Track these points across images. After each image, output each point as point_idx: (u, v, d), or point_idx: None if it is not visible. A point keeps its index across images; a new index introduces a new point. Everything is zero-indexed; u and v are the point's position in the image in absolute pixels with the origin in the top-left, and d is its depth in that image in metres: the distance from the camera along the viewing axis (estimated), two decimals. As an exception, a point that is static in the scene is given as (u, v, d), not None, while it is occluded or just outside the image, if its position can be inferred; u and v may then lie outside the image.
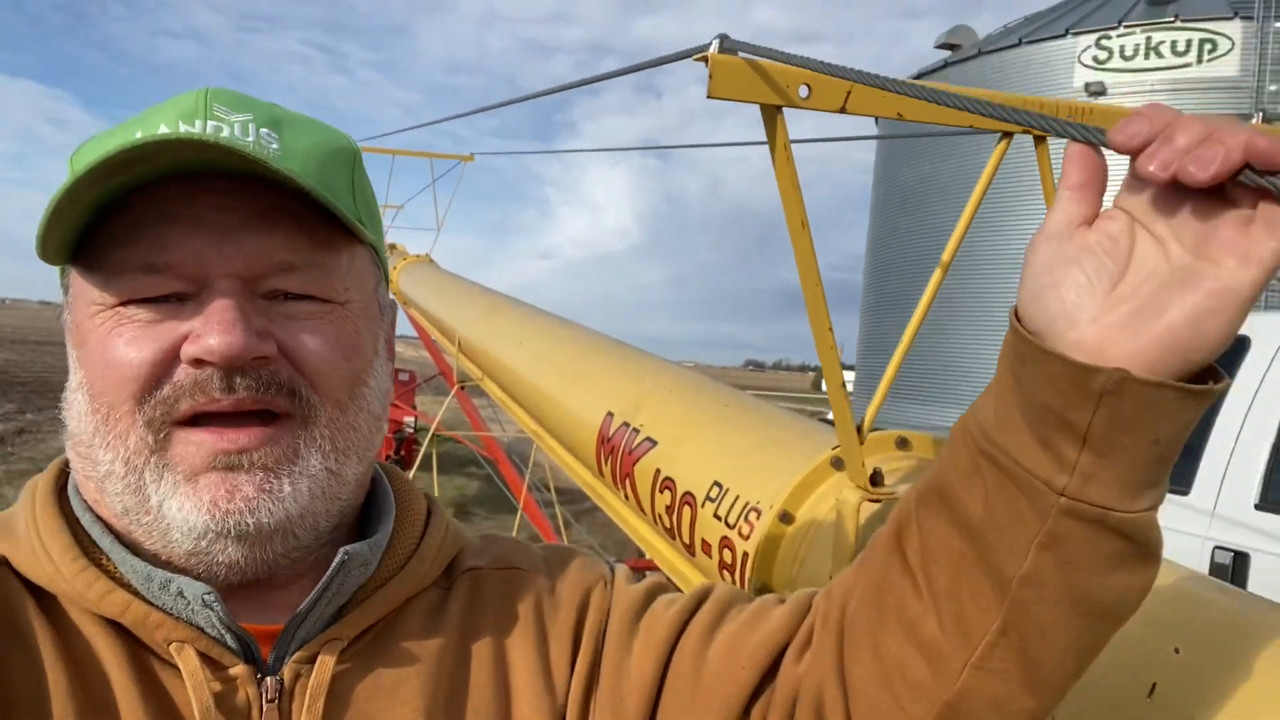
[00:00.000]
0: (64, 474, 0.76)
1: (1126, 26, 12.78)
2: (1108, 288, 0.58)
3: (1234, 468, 3.60)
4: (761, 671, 0.76)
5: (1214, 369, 0.58)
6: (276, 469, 0.67)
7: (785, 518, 1.55)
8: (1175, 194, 0.57)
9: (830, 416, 1.51)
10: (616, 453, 2.30)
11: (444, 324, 5.00)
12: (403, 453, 8.17)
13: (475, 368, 4.33)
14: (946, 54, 16.45)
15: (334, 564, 0.70)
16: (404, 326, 6.83)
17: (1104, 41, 12.99)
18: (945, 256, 1.44)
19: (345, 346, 0.71)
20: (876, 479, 1.35)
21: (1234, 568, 3.43)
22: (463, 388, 5.72)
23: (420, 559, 0.78)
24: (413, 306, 6.29)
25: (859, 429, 1.34)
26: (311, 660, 0.70)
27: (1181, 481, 3.68)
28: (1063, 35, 13.42)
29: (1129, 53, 12.68)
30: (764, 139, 1.23)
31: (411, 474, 8.25)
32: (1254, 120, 1.52)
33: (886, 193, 16.34)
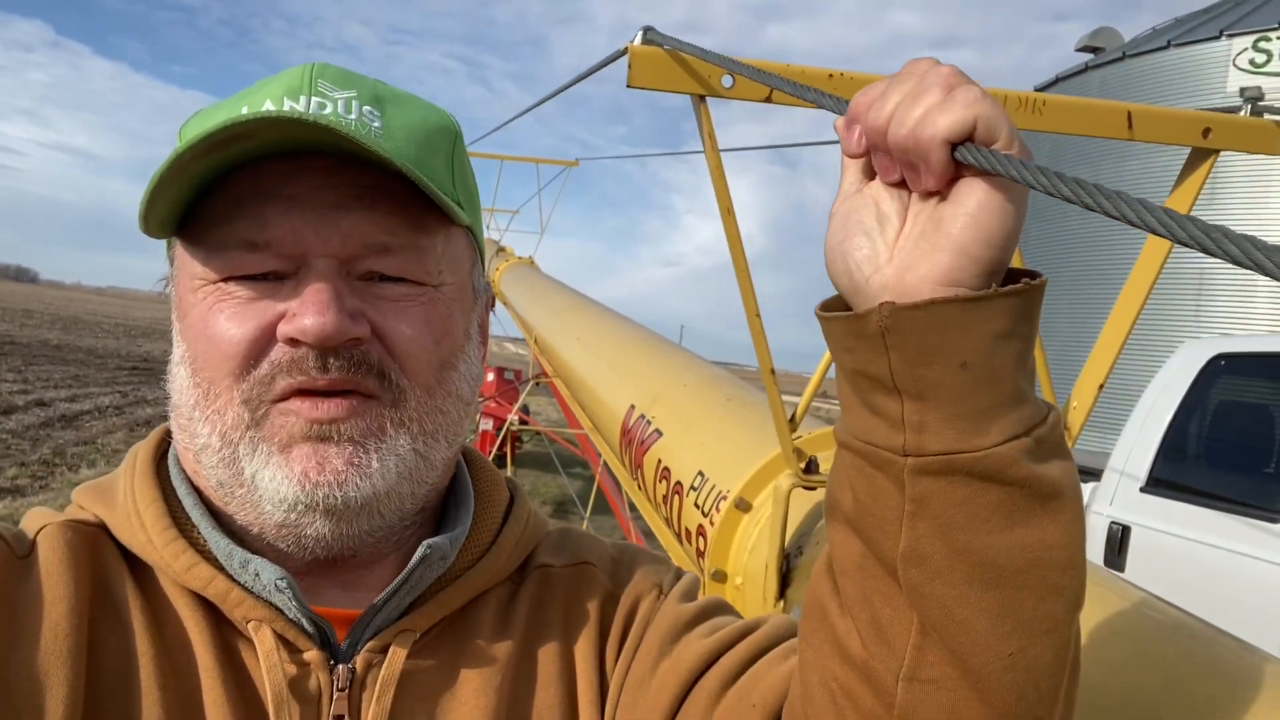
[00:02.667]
0: (164, 442, 0.77)
1: (1287, 27, 11.85)
2: (897, 226, 0.58)
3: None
4: (771, 715, 0.70)
5: (1025, 273, 0.56)
6: (364, 443, 0.67)
7: (741, 505, 1.56)
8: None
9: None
10: (633, 443, 2.35)
11: (527, 323, 5.15)
12: (505, 449, 8.41)
13: (549, 365, 4.45)
14: (1089, 57, 15.68)
15: (415, 557, 0.70)
16: (514, 328, 7.08)
17: (1262, 44, 12.08)
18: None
19: (436, 330, 0.71)
20: (812, 466, 1.36)
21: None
22: (537, 384, 5.86)
23: (497, 552, 0.78)
24: (509, 306, 6.50)
25: (791, 418, 1.34)
26: (384, 650, 0.70)
27: (1272, 508, 3.43)
28: (1216, 38, 12.57)
29: (1289, 54, 11.74)
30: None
31: (509, 471, 8.50)
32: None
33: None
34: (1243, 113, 1.37)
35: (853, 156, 0.60)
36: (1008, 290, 0.54)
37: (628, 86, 1.20)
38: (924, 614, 0.57)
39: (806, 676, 0.66)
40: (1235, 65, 12.07)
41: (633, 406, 2.46)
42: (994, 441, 0.54)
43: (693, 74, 1.21)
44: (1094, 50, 15.85)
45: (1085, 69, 14.70)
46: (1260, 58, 11.93)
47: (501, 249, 8.44)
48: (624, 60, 1.23)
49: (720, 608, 0.83)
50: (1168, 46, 13.15)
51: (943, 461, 0.55)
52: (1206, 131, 1.34)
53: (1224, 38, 12.38)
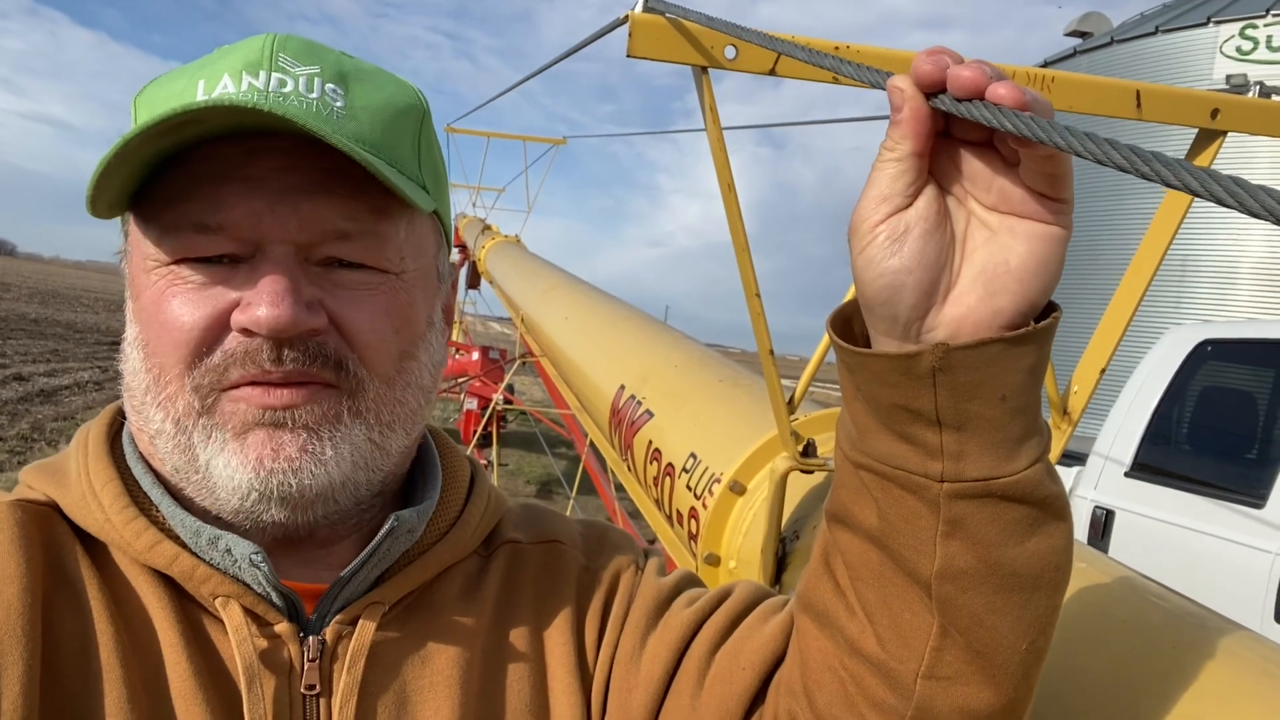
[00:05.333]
0: (116, 421, 0.76)
1: (1275, 15, 11.87)
2: (955, 258, 0.59)
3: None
4: (761, 677, 0.74)
5: (1049, 304, 0.59)
6: (319, 430, 0.66)
7: (736, 488, 1.54)
8: (963, 154, 0.58)
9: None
10: (622, 424, 2.33)
11: (513, 301, 5.11)
12: (490, 429, 8.37)
13: (535, 344, 4.41)
14: (1076, 42, 15.67)
15: (383, 530, 0.70)
16: (499, 307, 7.01)
17: (1249, 31, 12.10)
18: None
19: (396, 320, 0.69)
20: (809, 450, 1.33)
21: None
22: (524, 363, 5.82)
23: (463, 527, 0.78)
24: (495, 285, 6.45)
25: (789, 400, 1.32)
26: (353, 622, 0.70)
27: (1255, 494, 3.45)
28: (1203, 24, 12.58)
29: (1276, 42, 11.77)
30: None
31: (494, 451, 8.47)
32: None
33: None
34: (1251, 94, 1.35)
35: (919, 125, 0.56)
36: (1042, 326, 0.58)
37: (627, 56, 1.16)
38: (952, 621, 0.61)
39: (810, 660, 0.68)
40: (1222, 52, 12.09)
41: (622, 387, 2.43)
42: (1024, 465, 0.58)
43: (695, 45, 1.18)
44: (1082, 35, 15.84)
45: (1073, 54, 14.70)
46: (1247, 44, 11.95)
47: (487, 227, 8.36)
48: (622, 31, 1.19)
49: (692, 580, 0.86)
50: (1155, 32, 13.16)
51: (981, 487, 0.58)
52: (1215, 112, 1.32)
53: (1211, 24, 12.39)
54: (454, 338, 11.94)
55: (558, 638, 0.78)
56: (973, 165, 0.58)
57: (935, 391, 0.57)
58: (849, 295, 1.30)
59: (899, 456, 0.60)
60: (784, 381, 1.30)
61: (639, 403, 2.24)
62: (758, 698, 0.73)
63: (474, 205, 10.61)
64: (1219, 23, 12.29)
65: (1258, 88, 1.34)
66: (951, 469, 0.58)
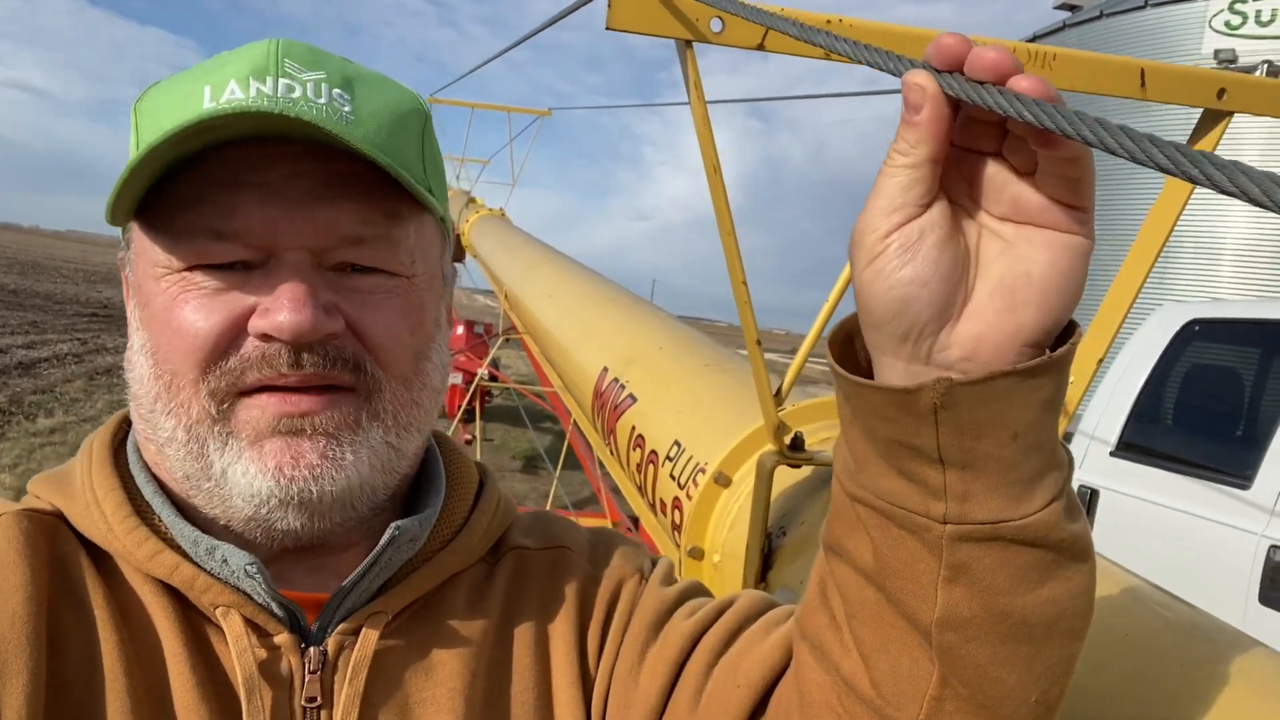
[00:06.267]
0: (122, 430, 0.76)
1: (1265, -11, 11.81)
2: (970, 271, 0.54)
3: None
4: (758, 693, 0.71)
5: (1069, 327, 0.54)
6: (339, 435, 0.66)
7: (721, 479, 1.49)
8: (971, 163, 0.54)
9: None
10: (605, 408, 2.27)
11: (498, 277, 5.03)
12: (474, 404, 8.31)
13: (519, 321, 4.35)
14: (1066, 15, 15.58)
15: (384, 539, 0.69)
16: (484, 280, 6.93)
17: (1239, 5, 12.04)
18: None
19: (410, 321, 0.70)
20: (797, 443, 1.28)
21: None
22: (508, 340, 5.76)
23: (469, 534, 0.77)
24: (479, 260, 6.36)
25: (777, 392, 1.27)
26: (355, 632, 0.69)
27: (1241, 474, 3.44)
28: (1194, -2, 12.50)
29: (1265, 18, 11.72)
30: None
31: (479, 425, 8.41)
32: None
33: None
34: (1259, 73, 1.29)
35: (936, 117, 0.51)
36: (1060, 354, 0.52)
37: (607, 28, 1.09)
38: (954, 671, 0.56)
39: (808, 693, 0.65)
40: (1211, 26, 12.02)
41: (606, 369, 2.37)
42: (1038, 507, 0.53)
43: (679, 17, 1.11)
44: (1071, 8, 15.74)
45: (1063, 27, 14.61)
46: (1236, 19, 11.89)
47: (472, 200, 8.25)
48: (604, 1, 1.12)
49: (697, 589, 0.84)
50: (1145, 6, 13.08)
51: (988, 530, 0.53)
52: (1221, 92, 1.27)
53: (1201, -1, 12.31)
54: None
55: (561, 648, 0.77)
56: (982, 174, 0.53)
57: (937, 430, 0.52)
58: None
59: (898, 494, 0.55)
60: (769, 357, 1.25)
61: (622, 386, 2.19)
62: (758, 710, 0.71)
63: (458, 178, 10.47)
64: (1209, -3, 12.21)
65: (1265, 66, 1.30)
66: (955, 510, 0.53)
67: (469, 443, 8.66)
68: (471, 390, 7.73)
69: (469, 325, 9.23)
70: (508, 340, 5.91)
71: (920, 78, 0.51)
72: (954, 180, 0.54)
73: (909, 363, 0.54)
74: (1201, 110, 1.29)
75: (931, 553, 0.54)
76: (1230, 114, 1.28)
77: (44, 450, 8.58)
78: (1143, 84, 1.24)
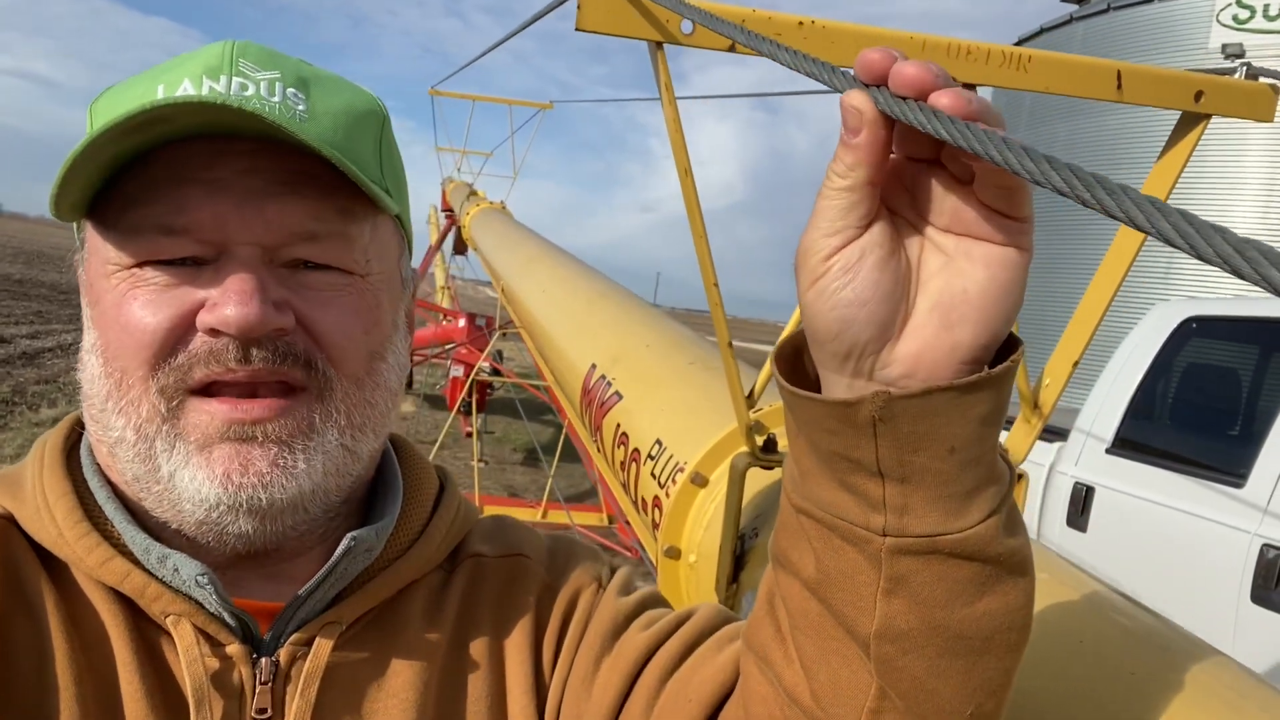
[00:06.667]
0: (74, 433, 0.75)
1: (1273, -17, 11.73)
2: (910, 291, 0.54)
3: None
4: (708, 710, 0.71)
5: (1013, 343, 0.55)
6: (291, 443, 0.65)
7: (698, 479, 1.49)
8: (911, 172, 0.54)
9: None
10: (593, 405, 2.28)
11: (496, 271, 5.04)
12: (474, 397, 8.31)
13: (516, 315, 4.35)
14: (1073, 8, 15.49)
15: (339, 550, 0.69)
16: (483, 272, 6.91)
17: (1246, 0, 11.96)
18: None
19: (364, 320, 0.69)
20: (770, 445, 1.29)
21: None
22: (504, 334, 5.76)
23: (426, 542, 0.77)
24: (480, 253, 6.36)
25: (749, 394, 1.27)
26: (309, 643, 0.69)
27: (1235, 473, 3.43)
28: (1201, -9, 12.41)
29: (1273, 11, 11.64)
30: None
31: (479, 419, 8.42)
32: None
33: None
34: (1237, 75, 1.29)
35: (873, 132, 0.50)
36: (998, 371, 0.53)
37: (576, 29, 1.09)
38: (892, 684, 0.57)
39: (751, 704, 0.65)
40: (1219, 20, 11.96)
41: (594, 366, 2.37)
42: (975, 521, 0.54)
43: (650, 18, 1.11)
44: (1078, 1, 15.65)
45: (1070, 20, 14.53)
46: (1244, 14, 11.82)
47: (474, 192, 8.24)
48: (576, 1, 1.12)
49: (655, 600, 0.84)
50: (1152, 0, 12.99)
51: (926, 543, 0.54)
52: (1199, 95, 1.26)
53: (1209, -8, 12.23)
54: (441, 303, 11.85)
55: (516, 657, 0.76)
56: (923, 184, 0.53)
57: (876, 442, 0.53)
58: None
59: (839, 505, 0.56)
60: (768, 348, 1.24)
61: (609, 383, 2.19)
62: None
63: (459, 170, 10.46)
64: (1216, -10, 12.13)
65: (1244, 69, 1.28)
66: (894, 523, 0.54)
67: (468, 435, 8.67)
68: (468, 384, 7.74)
69: (470, 318, 9.24)
70: (504, 335, 5.91)
71: (858, 100, 0.51)
72: (896, 191, 0.54)
73: (852, 378, 0.55)
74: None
75: (871, 564, 0.55)
76: (1208, 116, 1.28)
77: (46, 440, 8.61)
78: (1119, 86, 1.23)
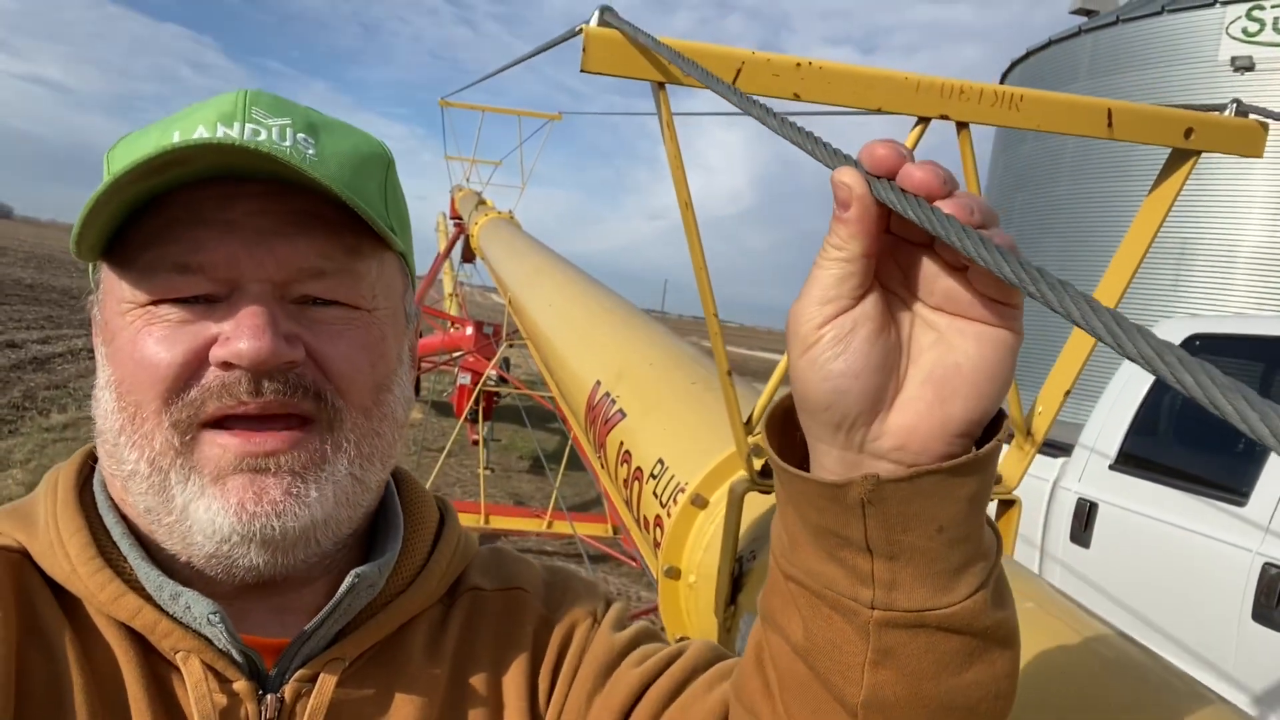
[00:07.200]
0: (87, 465, 0.76)
1: (1283, -4, 11.73)
2: (901, 363, 0.55)
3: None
4: None
5: (997, 418, 0.56)
6: (304, 474, 0.67)
7: (698, 501, 1.53)
8: (906, 252, 0.55)
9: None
10: (597, 421, 2.31)
11: (504, 281, 5.08)
12: (481, 405, 8.35)
13: (523, 326, 4.39)
14: (1082, 20, 15.50)
15: (343, 587, 0.70)
16: (491, 279, 6.96)
17: (1256, 12, 11.97)
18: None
19: (371, 353, 0.71)
20: (769, 470, 1.32)
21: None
22: (511, 344, 5.80)
23: (427, 577, 0.78)
24: (487, 263, 6.41)
25: (748, 421, 1.30)
26: (313, 679, 0.70)
27: (1238, 491, 3.44)
28: (1210, 4, 12.43)
29: (1283, 24, 11.63)
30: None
31: (485, 427, 8.46)
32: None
33: (1005, 167, 15.62)
34: (1227, 112, 1.32)
35: (867, 219, 0.52)
36: (984, 452, 0.54)
37: (581, 70, 1.13)
38: None
39: None
40: (1228, 33, 11.96)
41: (599, 382, 2.41)
42: (963, 596, 0.55)
43: (652, 59, 1.14)
44: (1087, 13, 15.66)
45: (1079, 32, 14.54)
46: (1253, 26, 11.82)
47: (482, 201, 8.30)
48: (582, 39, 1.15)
49: (649, 635, 0.85)
50: (1161, 12, 13.01)
51: (914, 618, 0.55)
52: (1189, 132, 1.29)
53: (1218, 5, 12.25)
54: (449, 310, 11.89)
55: (514, 691, 0.78)
56: (916, 265, 0.55)
57: (865, 522, 0.54)
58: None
59: (828, 577, 0.57)
60: (776, 357, 1.27)
61: (613, 401, 2.22)
62: None
63: (468, 179, 10.53)
64: (1225, 3, 12.14)
65: (1234, 106, 1.31)
66: (883, 598, 0.55)
67: (475, 443, 8.70)
68: (475, 392, 7.78)
69: (478, 325, 9.29)
70: (510, 345, 5.95)
71: (848, 176, 0.52)
72: (889, 269, 0.55)
73: (843, 450, 0.55)
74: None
75: (859, 635, 0.56)
76: (1198, 153, 1.31)
77: (56, 446, 8.69)
78: (1110, 124, 1.27)
